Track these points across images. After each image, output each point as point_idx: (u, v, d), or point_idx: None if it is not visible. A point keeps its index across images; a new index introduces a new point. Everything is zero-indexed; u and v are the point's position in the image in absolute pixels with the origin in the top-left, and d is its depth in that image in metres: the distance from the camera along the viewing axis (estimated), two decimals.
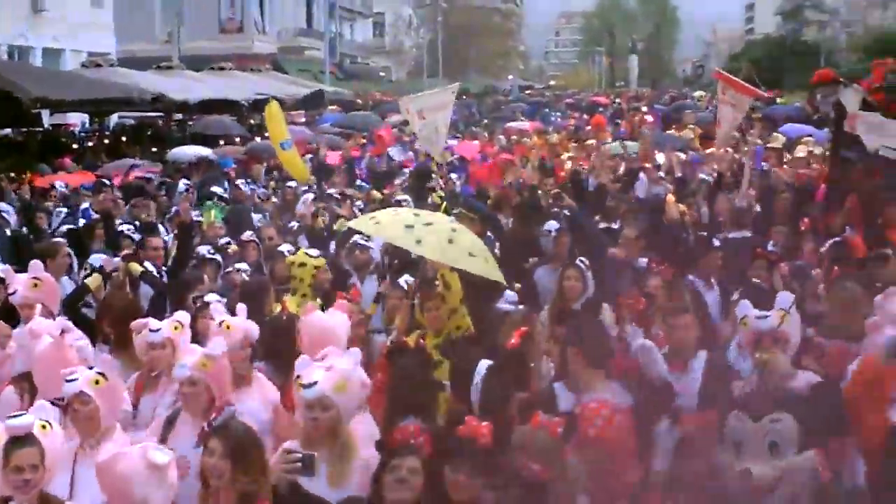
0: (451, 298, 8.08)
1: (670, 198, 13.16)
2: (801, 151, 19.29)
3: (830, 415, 4.84)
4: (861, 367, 6.42)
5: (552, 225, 10.91)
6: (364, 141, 26.22)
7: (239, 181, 19.07)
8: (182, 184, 17.92)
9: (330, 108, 40.51)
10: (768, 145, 21.55)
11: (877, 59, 12.15)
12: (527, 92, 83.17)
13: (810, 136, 23.01)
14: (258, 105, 32.99)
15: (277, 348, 7.58)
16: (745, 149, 19.78)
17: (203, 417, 6.09)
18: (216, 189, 17.30)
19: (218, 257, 11.30)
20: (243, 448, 5.21)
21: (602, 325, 7.82)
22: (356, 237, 11.05)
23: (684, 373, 7.01)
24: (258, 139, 29.20)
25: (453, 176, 18.41)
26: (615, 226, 12.42)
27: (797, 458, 4.73)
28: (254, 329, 7.20)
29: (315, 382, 5.90)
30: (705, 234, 11.62)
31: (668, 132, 27.21)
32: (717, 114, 17.35)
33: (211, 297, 8.28)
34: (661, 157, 19.36)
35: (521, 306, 8.80)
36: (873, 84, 11.68)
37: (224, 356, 6.47)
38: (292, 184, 16.29)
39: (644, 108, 42.68)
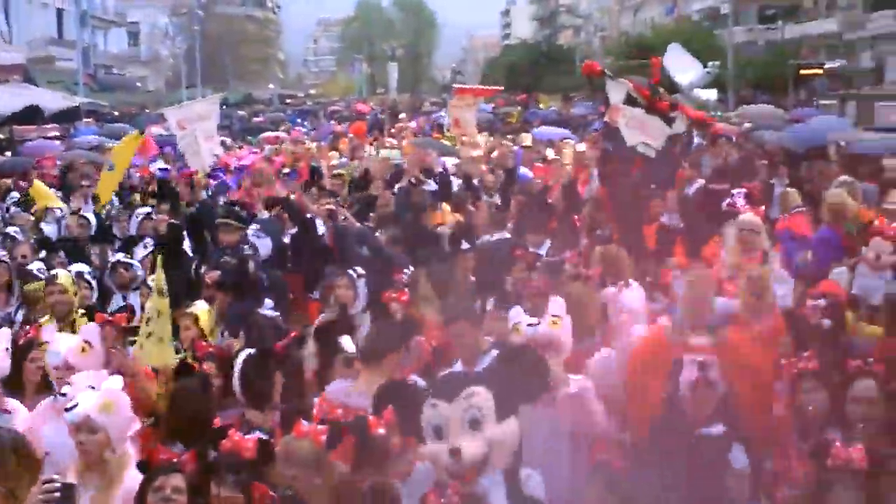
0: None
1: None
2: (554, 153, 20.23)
3: (521, 375, 4.82)
4: (647, 339, 6.56)
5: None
6: None
7: None
8: None
9: (85, 120, 39.23)
10: (522, 145, 22.69)
11: (655, 59, 12.64)
12: (287, 101, 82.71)
13: (569, 139, 24.02)
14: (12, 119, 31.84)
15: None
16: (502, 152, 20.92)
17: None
18: None
19: None
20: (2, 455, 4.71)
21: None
22: (119, 255, 10.89)
23: None
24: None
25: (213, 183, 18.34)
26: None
27: (499, 428, 4.65)
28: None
29: (76, 404, 5.58)
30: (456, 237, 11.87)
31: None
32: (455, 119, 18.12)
33: None
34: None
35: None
36: (651, 82, 12.03)
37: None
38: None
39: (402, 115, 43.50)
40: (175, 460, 5.61)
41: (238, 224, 10.97)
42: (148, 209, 13.71)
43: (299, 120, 49.30)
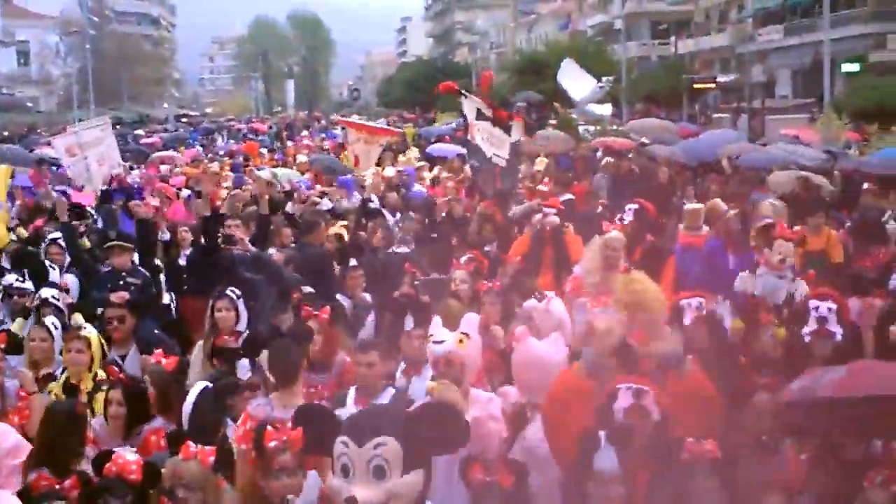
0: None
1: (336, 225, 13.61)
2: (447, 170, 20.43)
3: (438, 433, 4.71)
4: (559, 384, 6.38)
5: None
6: None
7: None
8: None
9: None
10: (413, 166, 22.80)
11: (485, 72, 12.74)
12: (183, 119, 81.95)
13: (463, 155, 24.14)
14: None
15: None
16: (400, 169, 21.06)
17: None
18: None
19: None
20: None
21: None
22: (11, 280, 10.45)
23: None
24: None
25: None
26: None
27: (402, 480, 4.55)
28: None
29: None
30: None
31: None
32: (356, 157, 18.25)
33: None
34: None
35: None
36: (482, 93, 12.29)
37: None
38: None
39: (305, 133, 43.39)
40: (57, 486, 5.41)
41: (130, 246, 10.97)
42: (56, 234, 12.96)
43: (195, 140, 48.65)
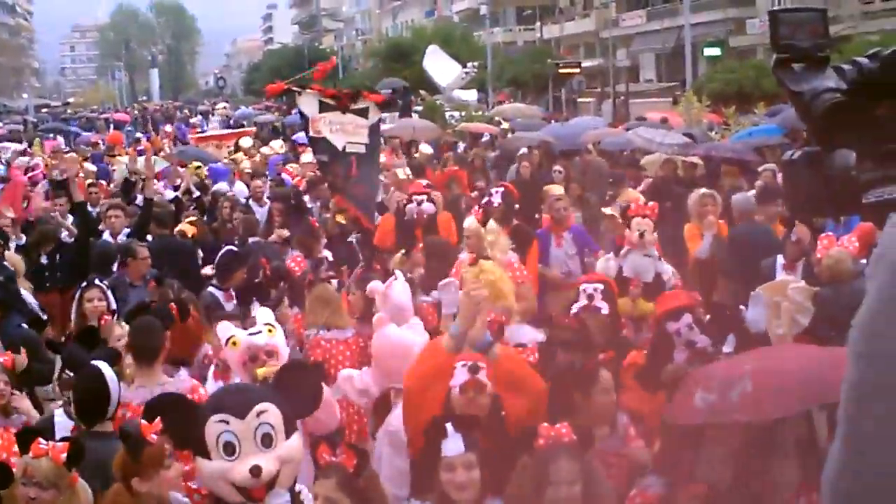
0: None
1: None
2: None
3: (302, 391, 4.77)
4: (424, 356, 6.37)
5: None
6: None
7: None
8: None
9: None
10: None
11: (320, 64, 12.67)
12: (44, 110, 79.95)
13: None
14: None
15: None
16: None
17: None
18: None
19: None
20: None
21: None
22: None
23: None
24: None
25: None
26: None
27: (288, 443, 4.59)
28: None
29: None
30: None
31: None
32: None
33: None
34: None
35: None
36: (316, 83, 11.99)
37: None
38: None
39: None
40: None
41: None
42: None
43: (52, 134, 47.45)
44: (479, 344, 6.29)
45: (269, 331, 6.40)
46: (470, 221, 9.78)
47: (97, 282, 8.80)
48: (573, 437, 5.17)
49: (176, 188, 16.69)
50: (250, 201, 15.74)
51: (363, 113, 11.22)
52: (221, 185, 17.52)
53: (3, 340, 8.51)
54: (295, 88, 11.40)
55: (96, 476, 5.37)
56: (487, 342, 6.29)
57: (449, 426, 5.11)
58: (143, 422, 5.12)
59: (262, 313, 6.75)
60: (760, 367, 5.85)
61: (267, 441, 4.55)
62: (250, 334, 6.45)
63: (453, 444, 5.10)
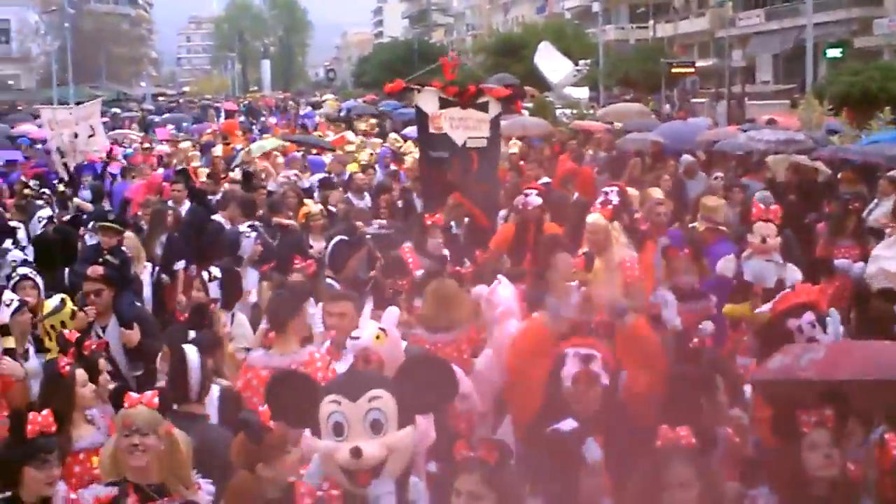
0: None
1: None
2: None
3: (429, 384, 4.77)
4: (525, 332, 6.42)
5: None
6: None
7: None
8: None
9: None
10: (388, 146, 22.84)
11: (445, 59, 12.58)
12: (160, 98, 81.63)
13: None
14: None
15: None
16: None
17: None
18: None
19: None
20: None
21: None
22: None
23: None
24: None
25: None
26: None
27: (399, 433, 4.63)
28: None
29: None
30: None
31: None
32: None
33: None
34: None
35: None
36: (446, 81, 12.00)
37: None
38: None
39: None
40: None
41: (120, 229, 11.14)
42: (49, 213, 13.44)
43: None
44: (617, 307, 6.35)
45: (377, 337, 6.20)
46: (595, 218, 9.50)
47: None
48: (692, 441, 5.01)
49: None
50: (349, 194, 15.69)
51: (483, 107, 11.12)
52: (319, 177, 17.71)
53: (118, 318, 8.95)
54: (413, 86, 11.34)
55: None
56: (623, 306, 6.33)
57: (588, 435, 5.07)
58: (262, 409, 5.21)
59: (388, 314, 6.51)
60: (838, 345, 6.18)
61: (377, 427, 4.61)
62: (352, 337, 6.31)
63: (594, 450, 5.07)
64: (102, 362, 6.98)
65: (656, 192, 11.79)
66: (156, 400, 5.26)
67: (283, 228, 12.62)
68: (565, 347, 5.87)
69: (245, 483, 5.19)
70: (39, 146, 24.94)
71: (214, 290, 8.85)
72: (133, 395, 5.31)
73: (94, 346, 7.05)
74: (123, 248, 10.76)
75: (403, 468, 4.77)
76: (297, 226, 12.88)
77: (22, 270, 9.52)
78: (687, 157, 17.13)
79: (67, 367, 6.43)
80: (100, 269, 9.45)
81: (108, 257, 10.24)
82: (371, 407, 4.60)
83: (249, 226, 11.87)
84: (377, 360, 6.11)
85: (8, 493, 5.13)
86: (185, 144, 25.05)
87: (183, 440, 5.32)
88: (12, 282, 9.18)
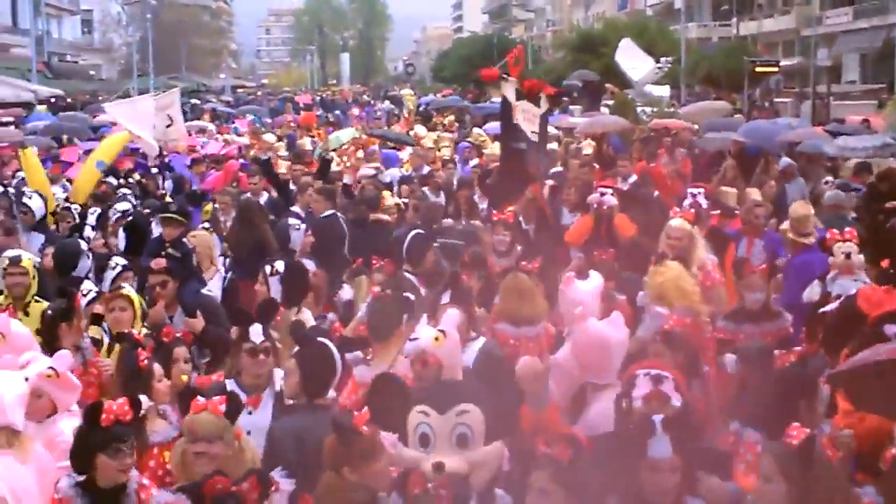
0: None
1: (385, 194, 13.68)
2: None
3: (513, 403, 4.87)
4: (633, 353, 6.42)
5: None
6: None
7: None
8: None
9: (38, 107, 38.71)
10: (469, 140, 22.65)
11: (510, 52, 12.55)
12: (240, 90, 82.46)
13: None
14: None
15: None
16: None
17: None
18: None
19: None
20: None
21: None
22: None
23: None
24: None
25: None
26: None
27: (485, 449, 4.69)
28: None
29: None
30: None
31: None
32: None
33: None
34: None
35: None
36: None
37: None
38: None
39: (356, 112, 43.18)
40: (234, 488, 5.18)
41: (182, 220, 11.16)
42: (127, 206, 13.27)
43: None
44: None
45: (436, 339, 6.09)
46: (679, 222, 9.30)
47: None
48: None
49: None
50: (426, 188, 15.53)
51: (538, 102, 11.21)
52: (393, 172, 17.67)
53: (182, 307, 8.98)
54: (504, 75, 11.41)
55: (315, 449, 5.38)
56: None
57: (658, 425, 4.87)
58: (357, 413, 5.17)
59: (448, 316, 6.44)
60: None
61: (462, 442, 4.66)
62: (410, 339, 6.30)
63: (661, 446, 4.86)
64: (180, 350, 6.98)
65: (754, 194, 11.60)
66: (222, 407, 5.27)
67: (377, 224, 12.48)
68: (636, 370, 5.79)
69: (331, 484, 5.14)
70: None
71: (275, 286, 8.71)
72: (200, 399, 5.32)
73: (176, 335, 7.10)
74: (185, 241, 10.72)
75: (488, 482, 4.80)
76: (392, 221, 12.78)
77: (119, 260, 9.70)
78: (786, 160, 16.81)
79: (146, 361, 6.51)
80: (162, 262, 9.45)
81: (170, 250, 10.28)
82: (459, 422, 4.64)
83: (298, 217, 11.81)
84: (435, 363, 6.04)
85: (82, 478, 5.18)
86: (270, 137, 25.17)
87: (249, 447, 5.43)
88: (113, 272, 9.41)
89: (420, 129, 25.18)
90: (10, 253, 9.08)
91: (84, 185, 14.90)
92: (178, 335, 7.18)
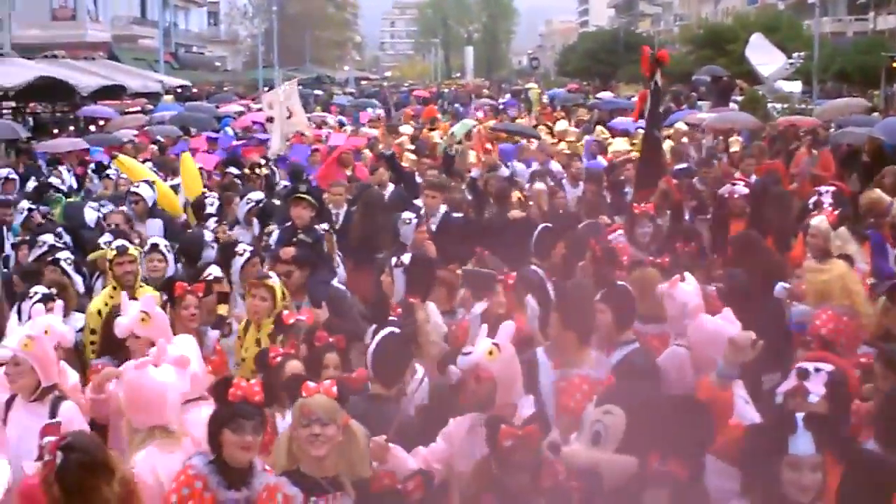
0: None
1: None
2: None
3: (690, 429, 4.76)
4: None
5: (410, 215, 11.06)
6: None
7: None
8: None
9: (165, 97, 39.62)
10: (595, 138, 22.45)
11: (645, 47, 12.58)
12: (363, 83, 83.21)
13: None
14: (96, 94, 32.81)
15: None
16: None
17: (29, 397, 6.29)
18: (54, 181, 16.91)
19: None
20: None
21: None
22: None
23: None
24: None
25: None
26: None
27: (613, 457, 4.61)
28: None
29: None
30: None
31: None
32: None
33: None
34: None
35: None
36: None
37: (46, 337, 6.37)
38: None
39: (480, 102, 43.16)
40: (399, 486, 5.52)
41: (312, 202, 11.01)
42: (260, 195, 13.41)
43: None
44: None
45: (490, 353, 5.75)
46: (818, 220, 9.15)
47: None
48: None
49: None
50: (564, 181, 15.57)
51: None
52: (517, 166, 17.64)
53: (309, 297, 9.14)
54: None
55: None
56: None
57: (800, 422, 4.73)
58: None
59: (503, 328, 6.06)
60: None
61: (595, 438, 4.71)
62: (463, 353, 5.94)
63: (803, 443, 4.72)
64: (331, 357, 6.85)
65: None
66: (334, 389, 5.26)
67: (513, 221, 12.18)
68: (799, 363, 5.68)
69: (482, 467, 5.27)
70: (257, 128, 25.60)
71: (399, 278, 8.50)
72: (310, 384, 5.32)
73: (330, 340, 6.99)
74: (316, 227, 10.74)
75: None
76: (527, 218, 12.43)
77: (246, 247, 9.93)
78: None
79: (277, 359, 6.61)
80: (290, 251, 9.53)
81: (301, 236, 10.37)
82: (598, 419, 4.68)
83: (415, 212, 11.60)
84: (488, 379, 5.75)
85: (213, 456, 5.27)
86: (406, 128, 25.44)
87: (360, 431, 5.39)
88: (241, 258, 9.62)
89: (562, 124, 25.19)
90: (116, 243, 9.26)
91: (192, 182, 14.75)
92: (330, 340, 7.03)
